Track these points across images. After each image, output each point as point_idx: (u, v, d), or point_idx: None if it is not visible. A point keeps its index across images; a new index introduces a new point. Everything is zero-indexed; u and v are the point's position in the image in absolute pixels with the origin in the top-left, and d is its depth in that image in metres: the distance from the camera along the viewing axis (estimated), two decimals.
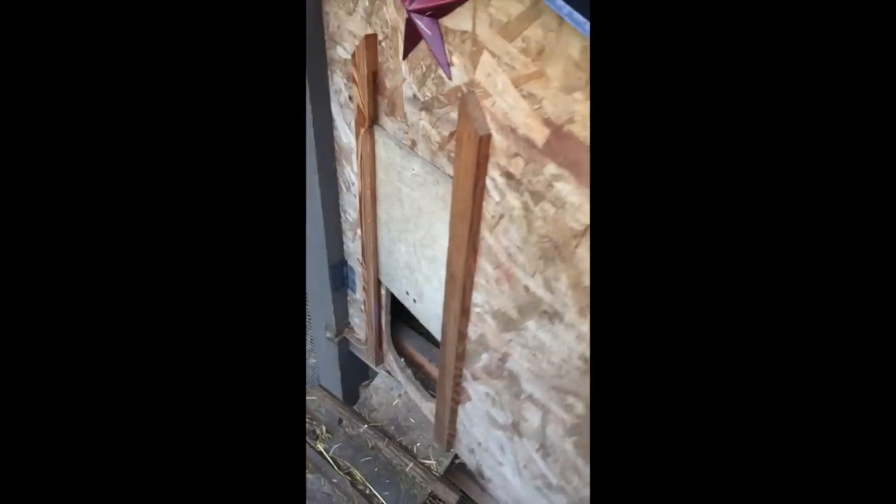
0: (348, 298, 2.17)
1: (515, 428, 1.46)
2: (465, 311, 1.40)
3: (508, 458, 1.56)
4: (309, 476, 2.03)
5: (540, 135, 0.97)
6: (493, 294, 1.30)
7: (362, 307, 2.08)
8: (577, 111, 0.88)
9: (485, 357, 1.44)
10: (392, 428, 2.08)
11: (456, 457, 1.92)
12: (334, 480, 1.95)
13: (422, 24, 1.08)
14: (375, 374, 2.41)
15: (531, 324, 1.22)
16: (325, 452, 2.04)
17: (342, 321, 2.24)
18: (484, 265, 1.28)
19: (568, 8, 0.78)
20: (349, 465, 2.00)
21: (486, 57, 1.00)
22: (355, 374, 2.51)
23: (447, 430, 1.78)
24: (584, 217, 0.98)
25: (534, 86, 0.94)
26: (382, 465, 1.98)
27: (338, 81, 1.51)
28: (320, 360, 2.53)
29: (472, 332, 1.44)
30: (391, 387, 2.17)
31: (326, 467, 2.00)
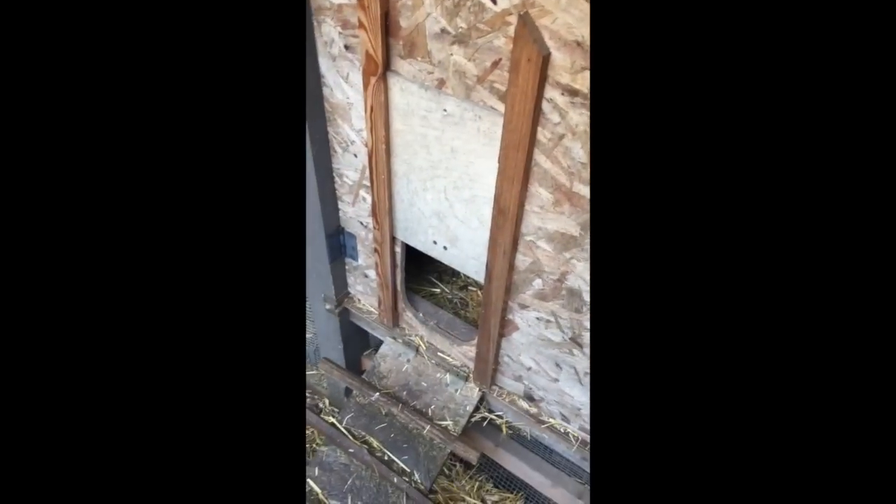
0: (346, 267, 2.10)
1: (575, 341, 1.54)
2: (515, 243, 1.42)
3: (566, 372, 1.65)
4: (324, 448, 2.01)
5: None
6: (548, 219, 1.33)
7: (366, 273, 2.03)
8: None
9: (537, 283, 1.49)
10: (405, 393, 2.09)
11: (474, 413, 1.98)
12: (350, 450, 1.95)
13: None
14: (377, 343, 2.39)
15: None
16: (337, 424, 2.01)
17: (341, 291, 2.17)
18: (538, 191, 1.30)
19: None
20: (364, 433, 1.99)
21: None
22: (356, 344, 2.47)
23: (491, 366, 1.84)
24: None
25: None
26: (398, 430, 2.00)
27: (328, 31, 1.39)
28: (320, 333, 2.44)
29: (521, 262, 1.47)
30: (399, 353, 2.16)
31: (341, 438, 1.98)
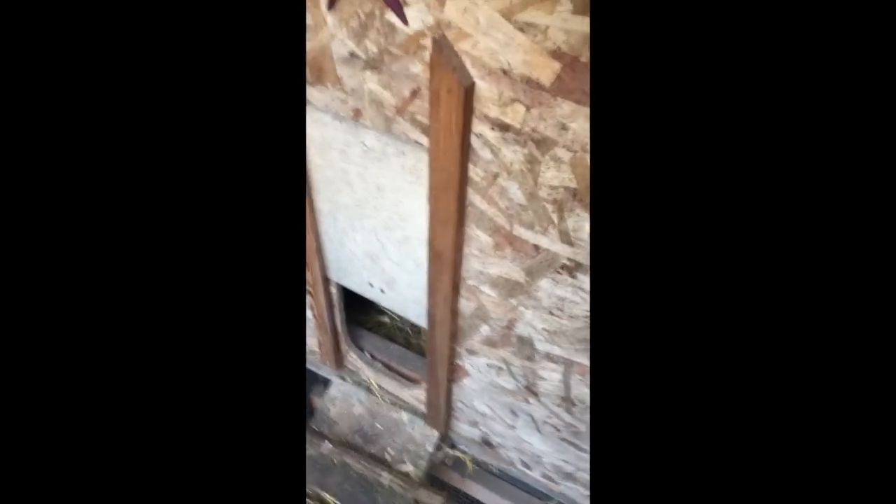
0: None
1: (530, 390, 1.39)
2: (455, 288, 1.26)
3: (523, 419, 1.49)
4: None
5: (547, 71, 0.83)
6: (489, 263, 1.17)
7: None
8: None
9: (484, 329, 1.33)
10: (359, 438, 1.91)
11: (436, 452, 1.82)
12: None
13: None
14: (320, 385, 2.20)
15: (545, 283, 1.11)
16: None
17: None
18: (476, 234, 1.13)
19: None
20: (317, 489, 1.81)
21: None
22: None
23: (443, 412, 1.67)
24: None
25: (533, 13, 0.78)
26: (355, 481, 1.81)
27: None
28: None
29: (465, 307, 1.31)
30: (348, 394, 1.98)
31: None
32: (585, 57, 0.79)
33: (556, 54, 0.81)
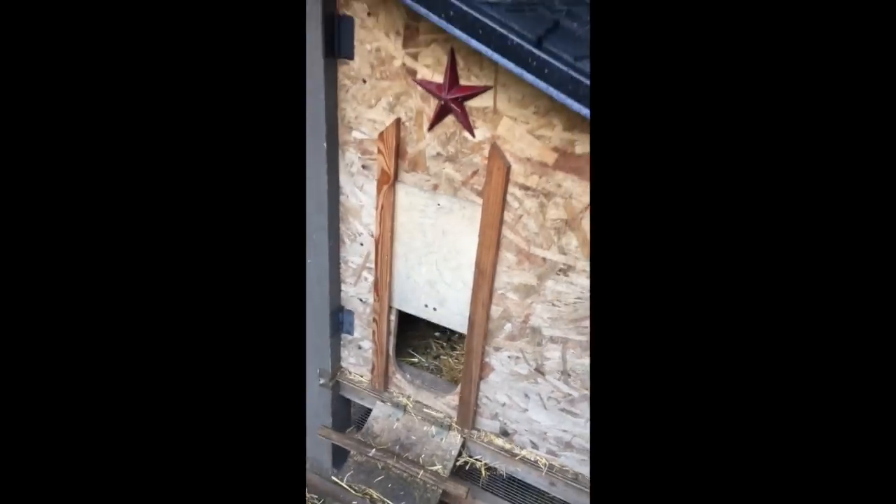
0: (341, 342, 2.51)
1: (539, 371, 2.04)
2: (491, 296, 1.96)
3: (533, 400, 2.12)
4: None
5: (550, 158, 1.65)
6: (514, 275, 1.90)
7: (360, 345, 2.45)
8: (577, 139, 1.59)
9: (507, 327, 2.01)
10: (397, 447, 2.45)
11: (458, 456, 2.37)
12: (353, 503, 2.23)
13: (453, 105, 1.69)
14: (358, 420, 2.72)
15: (549, 283, 1.85)
16: (339, 481, 2.30)
17: (336, 365, 2.54)
18: (505, 255, 1.88)
19: (560, 94, 1.48)
20: (364, 486, 2.30)
21: (505, 120, 1.66)
22: (342, 419, 2.78)
23: (472, 408, 2.26)
24: (586, 199, 1.67)
25: (543, 130, 1.62)
26: (395, 480, 2.33)
27: (350, 157, 1.99)
28: (309, 409, 2.72)
29: (495, 311, 2.01)
30: (388, 413, 2.54)
31: (344, 493, 2.26)
32: (570, 150, 1.62)
33: (555, 150, 1.64)
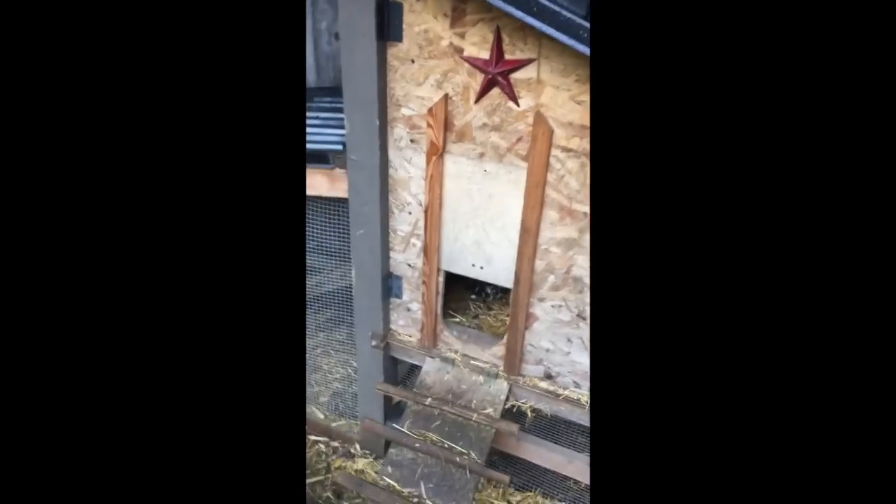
0: (391, 306, 2.71)
1: (580, 316, 2.27)
2: (535, 251, 2.17)
3: (575, 343, 2.35)
4: (392, 450, 2.51)
5: (588, 120, 1.84)
6: (556, 230, 2.11)
7: (409, 307, 2.66)
8: None
9: (551, 279, 2.23)
10: (450, 396, 2.68)
11: (505, 401, 2.60)
12: (416, 445, 2.47)
13: (499, 78, 1.87)
14: (402, 378, 2.94)
15: (587, 235, 2.06)
16: (399, 427, 2.53)
17: (386, 327, 2.76)
18: (548, 213, 2.08)
19: None
20: (423, 431, 2.53)
21: (548, 89, 1.84)
22: (391, 378, 3.00)
23: (518, 356, 2.49)
24: None
25: (584, 96, 1.81)
26: (451, 423, 2.57)
27: (398, 132, 2.17)
28: (361, 370, 2.95)
29: (538, 265, 2.22)
30: (439, 368, 2.77)
31: (406, 438, 2.50)
32: None
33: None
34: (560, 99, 1.86)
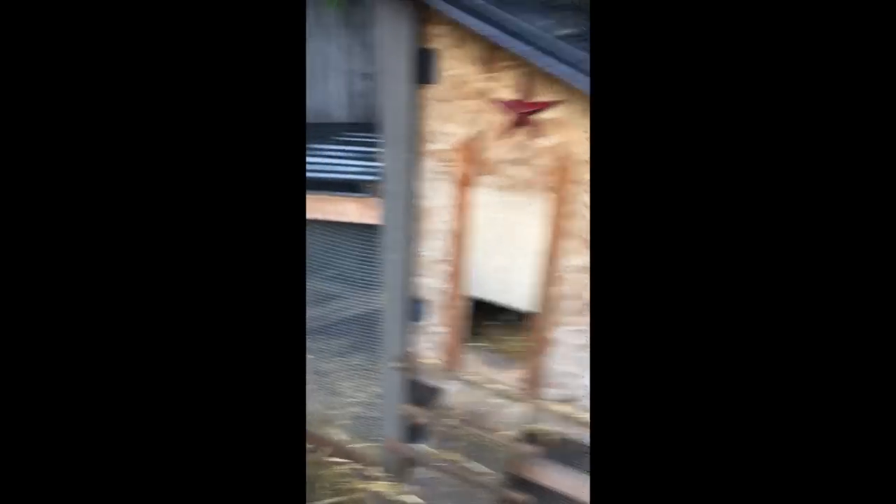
0: (416, 329, 2.85)
1: None
2: (555, 278, 2.31)
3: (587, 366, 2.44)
4: (415, 470, 2.58)
5: None
6: (575, 258, 2.25)
7: (434, 330, 2.79)
8: None
9: (570, 304, 2.35)
10: (472, 416, 2.78)
11: (525, 424, 2.69)
12: (438, 465, 2.56)
13: (525, 118, 2.06)
14: (429, 397, 3.05)
15: None
16: (423, 447, 2.62)
17: (411, 350, 2.89)
18: (567, 242, 2.23)
19: None
20: (445, 451, 2.63)
21: (569, 128, 2.02)
22: (416, 399, 3.11)
23: (538, 380, 2.59)
24: None
25: None
26: (472, 444, 2.66)
27: (429, 165, 2.36)
28: (385, 391, 3.06)
29: (558, 292, 2.35)
30: (460, 389, 2.87)
31: (428, 458, 2.59)
32: None
33: None
34: (579, 137, 2.04)
